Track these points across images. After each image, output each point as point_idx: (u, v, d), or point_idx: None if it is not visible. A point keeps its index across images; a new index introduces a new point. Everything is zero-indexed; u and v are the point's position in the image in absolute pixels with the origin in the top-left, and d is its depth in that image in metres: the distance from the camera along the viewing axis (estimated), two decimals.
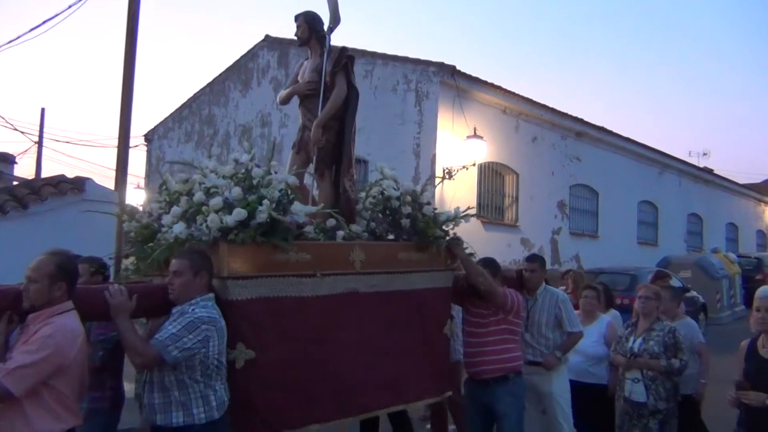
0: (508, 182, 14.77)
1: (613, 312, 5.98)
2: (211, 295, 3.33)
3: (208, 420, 3.18)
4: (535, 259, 5.07)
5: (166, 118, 18.46)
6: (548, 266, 15.00)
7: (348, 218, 4.21)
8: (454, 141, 12.78)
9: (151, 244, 3.69)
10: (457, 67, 12.73)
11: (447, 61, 12.72)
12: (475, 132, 12.71)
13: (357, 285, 3.89)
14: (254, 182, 3.60)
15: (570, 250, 16.26)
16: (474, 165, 12.77)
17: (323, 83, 4.45)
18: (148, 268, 3.66)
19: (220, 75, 17.02)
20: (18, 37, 14.26)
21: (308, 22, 4.59)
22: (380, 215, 4.33)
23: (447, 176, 12.53)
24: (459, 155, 12.71)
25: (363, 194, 4.51)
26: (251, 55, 16.37)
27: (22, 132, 24.60)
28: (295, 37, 4.67)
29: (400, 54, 13.54)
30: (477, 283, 4.31)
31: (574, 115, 16.16)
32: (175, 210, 3.57)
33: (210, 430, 3.19)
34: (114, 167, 8.58)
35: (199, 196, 3.51)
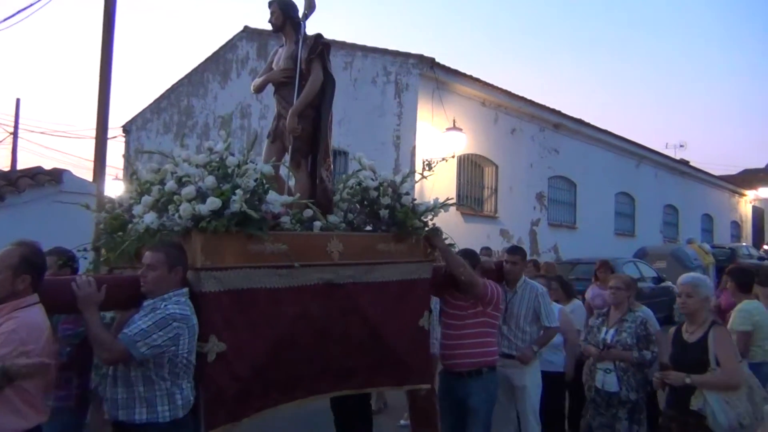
0: (487, 174, 14.86)
1: (576, 302, 6.05)
2: (185, 290, 3.25)
3: (172, 418, 3.12)
4: (516, 251, 5.05)
5: (144, 109, 18.30)
6: (528, 257, 15.25)
7: (325, 209, 4.13)
8: (433, 133, 12.81)
9: (121, 234, 3.59)
10: (437, 60, 12.76)
11: (426, 53, 12.78)
12: (454, 124, 12.76)
13: (333, 276, 3.82)
14: (228, 171, 3.52)
15: (548, 241, 16.43)
16: (453, 157, 12.80)
17: (298, 71, 4.36)
18: (118, 259, 3.55)
19: (199, 66, 16.90)
20: None
21: (282, 8, 4.50)
22: (358, 206, 4.27)
23: (427, 168, 12.62)
24: (438, 147, 12.77)
25: (341, 185, 4.45)
26: (230, 46, 16.27)
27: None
28: (269, 24, 4.59)
29: (379, 46, 13.55)
30: (457, 274, 4.28)
31: (552, 107, 16.30)
32: (146, 199, 3.48)
33: (173, 428, 3.13)
34: (92, 159, 8.58)
35: (171, 185, 3.42)
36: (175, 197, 3.36)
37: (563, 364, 5.35)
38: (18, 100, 20.66)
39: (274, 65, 4.62)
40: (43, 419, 3.00)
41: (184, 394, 3.17)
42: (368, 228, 4.32)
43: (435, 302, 4.73)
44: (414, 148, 12.60)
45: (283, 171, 4.41)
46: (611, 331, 4.77)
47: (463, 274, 4.27)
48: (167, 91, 17.75)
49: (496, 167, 14.81)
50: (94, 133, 10.85)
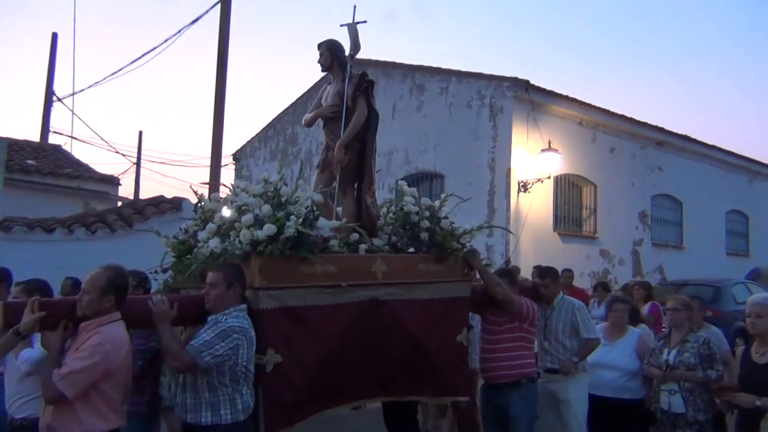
0: (585, 194, 14.77)
1: (642, 326, 5.96)
2: (244, 306, 3.60)
3: (234, 421, 3.45)
4: (546, 274, 5.19)
5: (252, 138, 19.40)
6: (629, 278, 14.94)
7: (370, 232, 4.47)
8: (528, 154, 12.98)
9: (188, 258, 4.01)
10: (531, 81, 12.95)
11: (521, 76, 12.97)
12: (549, 145, 12.89)
13: (377, 294, 4.15)
14: (282, 200, 3.88)
15: (653, 261, 16.02)
16: (549, 178, 12.95)
17: (345, 106, 4.72)
18: (186, 280, 3.98)
19: (303, 95, 17.69)
20: (120, 69, 15.65)
21: (330, 49, 4.87)
22: (401, 230, 4.59)
23: (522, 189, 12.78)
24: (534, 168, 12.94)
25: (384, 210, 4.77)
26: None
27: (123, 155, 26.38)
28: (318, 64, 4.95)
29: (474, 70, 13.87)
30: (494, 293, 4.53)
31: (654, 124, 15.98)
32: (210, 226, 3.89)
33: (235, 430, 3.46)
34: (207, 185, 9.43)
35: (231, 213, 3.82)
36: (236, 224, 3.76)
37: (639, 391, 5.20)
38: (140, 133, 22.50)
39: (323, 101, 4.98)
40: (123, 423, 3.41)
41: (244, 400, 3.53)
42: (411, 250, 4.61)
43: (476, 320, 5.00)
44: (509, 169, 12.80)
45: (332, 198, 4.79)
46: (673, 352, 4.77)
47: (500, 293, 4.52)
48: (273, 120, 18.76)
49: (595, 187, 14.69)
50: (207, 162, 11.87)
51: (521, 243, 12.67)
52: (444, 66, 14.40)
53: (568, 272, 8.69)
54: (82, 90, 22.03)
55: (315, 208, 3.97)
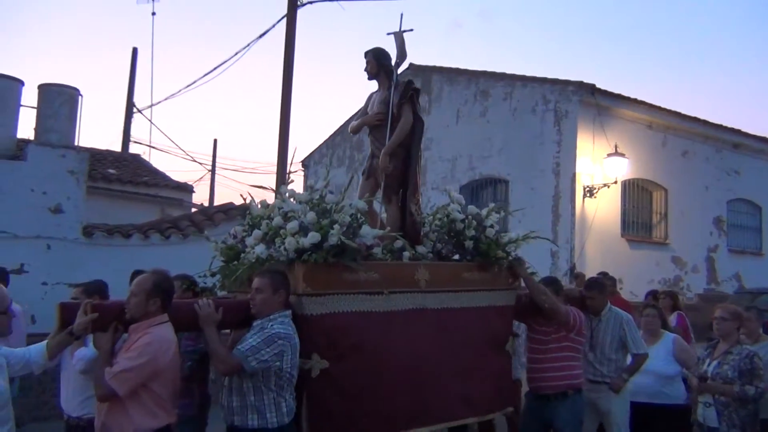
0: (656, 199, 14.34)
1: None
2: (288, 312, 3.64)
3: (279, 425, 3.49)
4: (592, 287, 5.08)
5: (320, 145, 19.81)
6: (704, 286, 14.42)
7: (414, 240, 4.47)
8: (594, 159, 12.75)
9: (235, 263, 4.07)
10: (597, 85, 12.72)
11: (586, 80, 12.79)
12: (616, 149, 12.60)
13: (423, 302, 4.13)
14: (327, 207, 3.91)
15: (729, 268, 15.37)
16: (616, 182, 12.68)
17: (390, 114, 4.70)
18: (233, 284, 4.04)
19: None
20: (195, 81, 16.37)
21: (376, 58, 4.86)
22: (446, 237, 4.55)
23: (588, 194, 12.60)
24: (600, 173, 12.72)
25: (430, 217, 4.74)
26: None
27: (199, 162, 27.49)
28: (365, 72, 4.94)
29: (538, 75, 13.73)
30: (540, 302, 4.46)
31: (730, 126, 15.36)
32: (257, 233, 3.94)
33: None
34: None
35: (277, 220, 3.85)
36: (281, 231, 3.80)
37: (682, 396, 5.15)
38: (215, 141, 23.36)
39: (369, 109, 4.97)
40: (172, 420, 3.50)
41: (288, 403, 3.58)
42: (455, 258, 4.56)
43: (522, 329, 4.96)
44: (574, 175, 12.60)
45: (377, 205, 4.80)
46: (714, 364, 4.61)
47: (546, 302, 4.45)
48: (341, 127, 19.09)
49: (666, 191, 14.26)
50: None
51: (587, 249, 12.46)
52: (508, 71, 14.37)
53: (610, 280, 8.36)
54: (160, 102, 23.02)
55: (359, 216, 3.99)
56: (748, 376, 4.41)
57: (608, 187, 12.60)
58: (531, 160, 13.29)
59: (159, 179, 13.79)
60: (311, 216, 3.82)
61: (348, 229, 3.85)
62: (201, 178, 23.72)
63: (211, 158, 22.32)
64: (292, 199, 4.01)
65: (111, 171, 12.86)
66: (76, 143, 9.70)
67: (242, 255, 4.06)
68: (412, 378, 4.05)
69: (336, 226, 3.77)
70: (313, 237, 3.71)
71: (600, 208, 12.72)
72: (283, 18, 11.58)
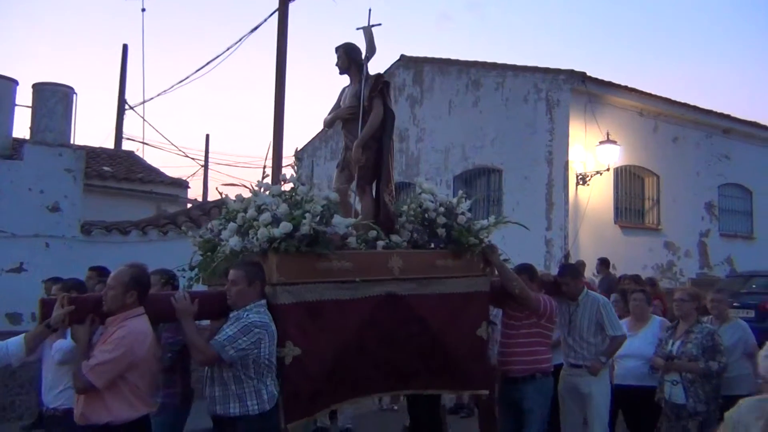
0: (648, 185, 14.41)
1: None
2: (264, 301, 3.70)
3: (260, 411, 3.56)
4: (564, 272, 5.12)
5: (313, 138, 19.84)
6: (697, 270, 14.60)
7: (388, 229, 4.49)
8: (587, 147, 12.82)
9: (210, 255, 4.12)
10: (588, 73, 12.76)
11: (577, 68, 12.80)
12: (608, 137, 12.67)
13: (395, 289, 4.19)
14: (299, 199, 3.95)
15: (721, 252, 15.46)
16: (608, 170, 12.77)
17: (362, 107, 4.74)
18: (210, 277, 4.09)
19: None
20: (186, 78, 16.39)
21: (347, 52, 4.91)
22: (420, 226, 4.59)
23: (581, 182, 12.74)
24: (592, 161, 12.82)
25: (405, 207, 4.76)
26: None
27: (191, 158, 27.56)
28: (336, 67, 4.98)
29: (530, 64, 13.77)
30: (510, 288, 4.52)
31: (720, 111, 15.40)
32: (231, 225, 3.99)
33: (262, 420, 3.57)
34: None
35: (251, 212, 3.90)
36: (255, 223, 3.85)
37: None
38: (207, 136, 23.36)
39: (341, 103, 5.01)
40: (151, 410, 3.57)
41: (269, 390, 3.63)
42: (431, 246, 4.60)
43: (500, 316, 4.97)
44: (567, 163, 12.66)
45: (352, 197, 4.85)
46: (677, 343, 4.78)
47: (516, 288, 4.51)
48: None
49: (658, 177, 14.34)
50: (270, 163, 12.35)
51: (581, 236, 12.58)
52: (499, 61, 14.45)
53: (582, 264, 8.69)
54: (152, 98, 23.03)
55: (331, 206, 4.02)
56: (711, 353, 4.64)
57: (601, 174, 12.70)
58: (524, 149, 13.38)
59: (154, 176, 13.85)
60: (284, 207, 3.87)
61: (320, 218, 3.89)
62: (194, 173, 23.80)
63: (203, 153, 22.35)
64: (266, 192, 4.06)
65: (106, 168, 12.91)
66: (71, 141, 9.73)
67: (218, 248, 4.10)
68: (383, 361, 4.14)
69: (308, 215, 3.81)
70: (285, 227, 3.75)
71: (593, 195, 12.84)
72: (275, 12, 11.62)
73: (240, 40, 13.40)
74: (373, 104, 4.74)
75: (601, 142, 12.72)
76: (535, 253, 11.85)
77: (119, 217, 10.23)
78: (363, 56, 4.91)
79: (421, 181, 4.86)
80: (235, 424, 3.58)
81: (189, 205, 12.81)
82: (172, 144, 46.79)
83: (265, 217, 3.82)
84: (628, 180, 14.01)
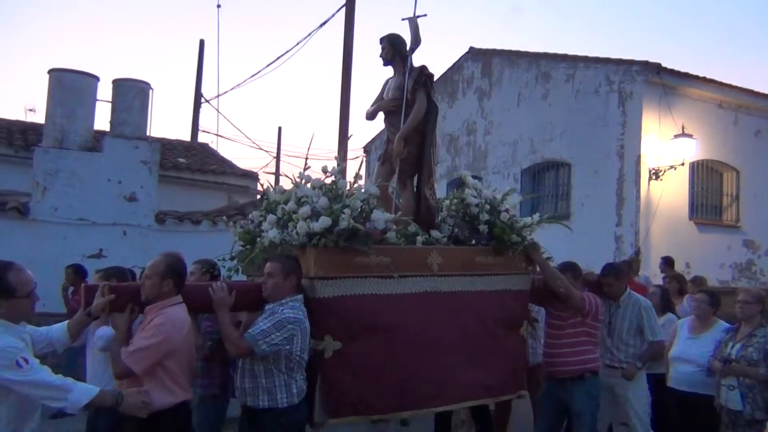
0: (726, 180, 13.66)
1: (669, 316, 5.67)
2: (300, 296, 3.66)
3: (289, 404, 3.56)
4: (607, 273, 4.92)
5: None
6: None
7: (428, 224, 4.40)
8: (660, 140, 12.29)
9: (249, 247, 4.12)
10: (663, 64, 12.17)
11: (651, 59, 12.28)
12: (683, 130, 12.10)
13: (436, 285, 4.08)
14: (339, 192, 3.90)
15: None
16: (683, 164, 12.22)
17: (405, 100, 4.63)
18: (248, 268, 4.09)
19: None
20: (259, 72, 16.78)
21: (392, 44, 4.81)
22: (462, 222, 4.49)
23: (653, 177, 12.33)
24: (666, 155, 12.31)
25: (447, 202, 4.66)
26: (457, 67, 17.01)
27: (266, 151, 28.22)
28: (380, 58, 4.89)
29: (601, 56, 13.30)
30: (554, 287, 4.38)
31: None
32: (271, 217, 3.97)
33: (290, 413, 3.57)
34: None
35: (291, 205, 3.86)
36: (294, 215, 3.81)
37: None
38: (279, 129, 23.90)
39: (384, 95, 4.90)
40: (189, 396, 3.57)
41: (298, 385, 3.62)
42: (473, 243, 4.47)
43: (542, 315, 4.87)
44: (639, 157, 12.14)
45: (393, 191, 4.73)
46: (737, 346, 4.50)
47: (561, 287, 4.37)
48: None
49: (737, 172, 13.60)
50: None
51: (652, 233, 12.14)
52: (570, 53, 14.13)
53: (635, 260, 8.32)
54: (227, 92, 23.73)
55: (370, 201, 3.96)
56: None
57: (675, 169, 12.20)
58: (594, 142, 12.99)
59: (226, 167, 14.25)
60: (323, 201, 3.83)
61: (359, 213, 3.84)
62: (266, 164, 24.39)
63: (276, 146, 22.86)
64: (308, 185, 4.03)
65: (181, 160, 13.40)
66: (148, 134, 10.19)
67: (258, 239, 4.09)
68: (424, 359, 4.02)
69: (347, 210, 3.76)
70: (324, 222, 3.72)
71: (666, 190, 12.37)
72: (342, 7, 11.78)
73: (309, 34, 13.66)
74: (417, 97, 4.65)
75: (675, 136, 12.21)
76: (604, 249, 11.57)
77: (192, 207, 10.62)
78: (408, 48, 4.82)
79: (465, 174, 4.75)
80: (264, 416, 3.59)
81: (258, 197, 13.16)
82: (246, 136, 47.96)
83: (305, 210, 3.79)
84: (705, 175, 13.41)
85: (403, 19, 4.87)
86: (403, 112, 4.65)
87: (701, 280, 7.77)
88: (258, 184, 15.00)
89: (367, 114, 5.03)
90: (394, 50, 4.84)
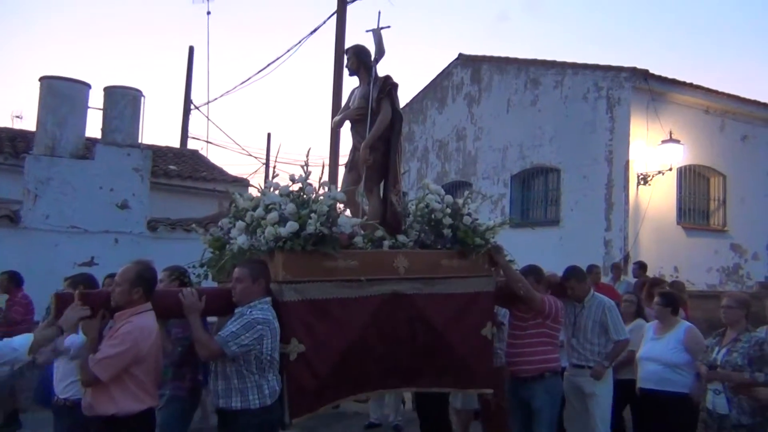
0: (713, 185, 13.78)
1: (638, 321, 5.75)
2: (268, 298, 3.73)
3: (261, 405, 3.61)
4: (569, 276, 5.06)
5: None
6: (766, 273, 14.04)
7: (395, 229, 4.50)
8: (648, 146, 12.37)
9: (218, 253, 4.21)
10: (651, 70, 12.29)
11: (639, 65, 12.35)
12: (671, 136, 12.18)
13: (400, 288, 4.18)
14: (306, 198, 3.99)
15: None
16: (671, 169, 12.31)
17: (370, 109, 4.73)
18: (218, 275, 4.17)
19: (419, 94, 17.89)
20: (249, 78, 16.84)
21: (356, 54, 4.92)
22: (427, 226, 4.58)
23: (642, 182, 12.46)
24: (654, 160, 12.37)
25: (413, 207, 4.75)
26: (446, 73, 17.01)
27: (255, 157, 28.24)
28: (346, 68, 5.02)
29: (590, 62, 13.37)
30: (516, 289, 4.51)
31: None
32: (240, 224, 4.05)
33: (263, 414, 3.62)
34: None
35: (259, 211, 3.94)
36: (262, 222, 3.89)
37: (689, 385, 4.95)
38: (269, 135, 23.92)
39: (351, 104, 5.00)
40: (155, 404, 3.64)
41: (271, 385, 3.68)
42: (438, 247, 4.57)
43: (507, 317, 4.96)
44: (627, 162, 12.25)
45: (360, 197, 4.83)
46: (723, 351, 4.48)
47: (522, 289, 4.51)
48: None
49: (724, 177, 13.71)
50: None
51: (641, 237, 12.24)
52: (558, 59, 14.24)
53: (596, 268, 8.46)
54: (216, 98, 23.73)
55: (338, 207, 4.05)
56: (758, 363, 4.30)
57: (663, 174, 12.33)
58: (583, 148, 13.09)
59: (216, 174, 14.26)
60: (291, 207, 3.91)
61: (326, 218, 3.91)
62: (256, 171, 24.37)
63: (265, 152, 22.87)
64: (275, 192, 4.11)
65: (172, 167, 13.40)
66: (139, 142, 10.19)
67: (227, 246, 4.18)
68: (387, 358, 4.15)
69: (314, 215, 3.85)
70: (292, 226, 3.79)
71: (654, 195, 12.49)
72: (333, 14, 11.85)
73: (300, 41, 13.73)
74: (381, 106, 4.75)
75: (663, 141, 12.34)
76: (594, 254, 11.64)
77: (184, 214, 10.63)
78: (372, 58, 4.91)
79: (427, 182, 4.85)
80: (237, 417, 3.64)
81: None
82: (235, 143, 47.93)
83: (273, 216, 3.87)
84: (692, 180, 13.55)
85: (367, 31, 4.99)
86: (368, 120, 4.75)
87: (661, 282, 7.61)
88: (250, 189, 14.99)
89: (333, 123, 5.14)
90: (359, 61, 4.94)
